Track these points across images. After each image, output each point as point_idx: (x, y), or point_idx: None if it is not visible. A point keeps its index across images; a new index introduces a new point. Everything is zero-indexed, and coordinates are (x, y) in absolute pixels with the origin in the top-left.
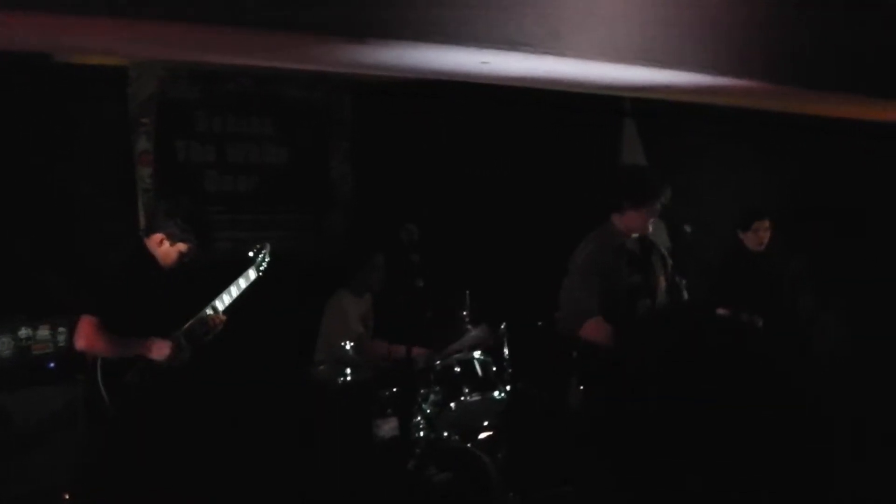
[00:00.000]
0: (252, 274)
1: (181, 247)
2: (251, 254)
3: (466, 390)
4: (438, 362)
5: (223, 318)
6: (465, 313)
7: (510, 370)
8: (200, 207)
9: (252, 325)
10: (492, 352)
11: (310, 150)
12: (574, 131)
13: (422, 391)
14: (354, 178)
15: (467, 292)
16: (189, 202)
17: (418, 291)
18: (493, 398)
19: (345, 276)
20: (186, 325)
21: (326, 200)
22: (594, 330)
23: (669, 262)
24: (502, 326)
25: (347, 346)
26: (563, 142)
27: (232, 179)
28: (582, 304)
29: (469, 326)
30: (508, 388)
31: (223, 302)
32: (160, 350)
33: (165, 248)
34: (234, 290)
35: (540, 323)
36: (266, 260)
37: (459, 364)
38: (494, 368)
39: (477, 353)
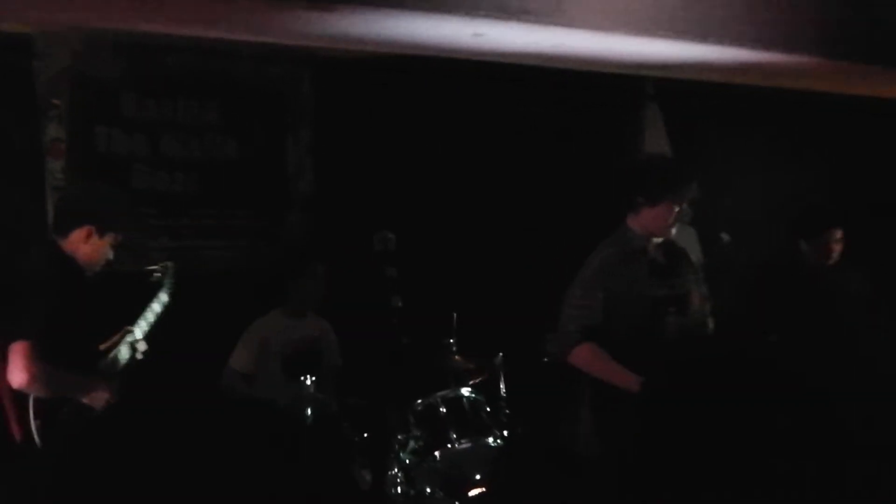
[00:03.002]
0: (165, 296)
1: (110, 240)
2: (157, 274)
3: (454, 436)
4: (419, 401)
5: (143, 344)
6: (451, 340)
7: (507, 411)
8: (128, 197)
9: (198, 352)
10: (485, 388)
11: (263, 140)
12: (585, 118)
13: (399, 437)
14: (318, 175)
15: (455, 314)
16: (115, 189)
17: (394, 312)
18: (487, 446)
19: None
20: (110, 356)
21: (284, 202)
22: (583, 358)
23: (701, 276)
24: (498, 357)
25: (308, 382)
26: (573, 130)
27: (167, 176)
28: (575, 323)
29: (457, 357)
30: (505, 433)
31: (142, 325)
32: (99, 398)
33: (91, 246)
34: (150, 314)
35: (546, 359)
36: (171, 283)
37: (445, 403)
38: (488, 409)
39: (466, 390)
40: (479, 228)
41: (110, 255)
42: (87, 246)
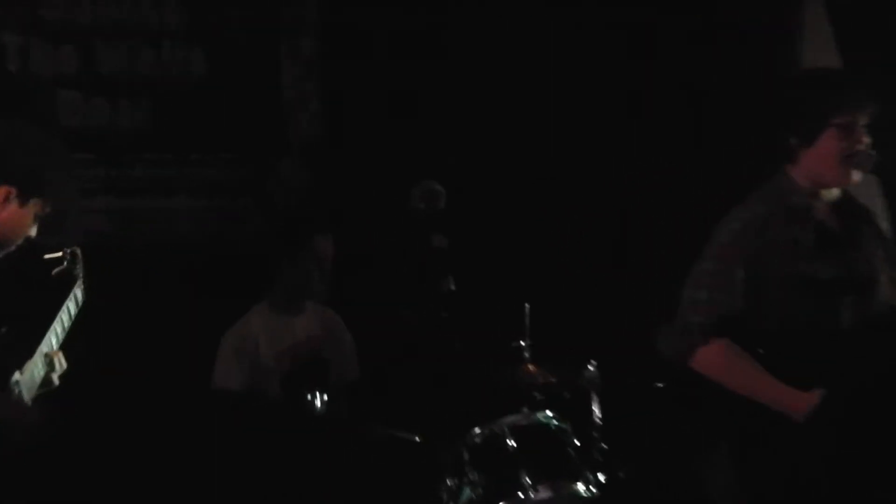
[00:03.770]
0: (80, 294)
1: (36, 209)
2: (65, 263)
3: (527, 481)
4: (478, 431)
5: (61, 356)
6: (523, 343)
7: (604, 445)
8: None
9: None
10: (571, 412)
11: (246, 52)
12: (717, 22)
13: (448, 482)
14: (324, 105)
15: (527, 306)
16: (39, 131)
17: (443, 302)
18: (576, 496)
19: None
20: (22, 373)
21: (274, 143)
22: (715, 362)
23: (893, 248)
24: (589, 367)
25: (317, 400)
26: (688, 41)
27: (105, 106)
28: (702, 312)
29: (531, 367)
30: (602, 477)
31: (56, 335)
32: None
33: (7, 215)
34: (64, 319)
35: (659, 378)
36: (83, 272)
37: (514, 433)
38: (577, 442)
39: (545, 415)
40: (556, 182)
41: (33, 230)
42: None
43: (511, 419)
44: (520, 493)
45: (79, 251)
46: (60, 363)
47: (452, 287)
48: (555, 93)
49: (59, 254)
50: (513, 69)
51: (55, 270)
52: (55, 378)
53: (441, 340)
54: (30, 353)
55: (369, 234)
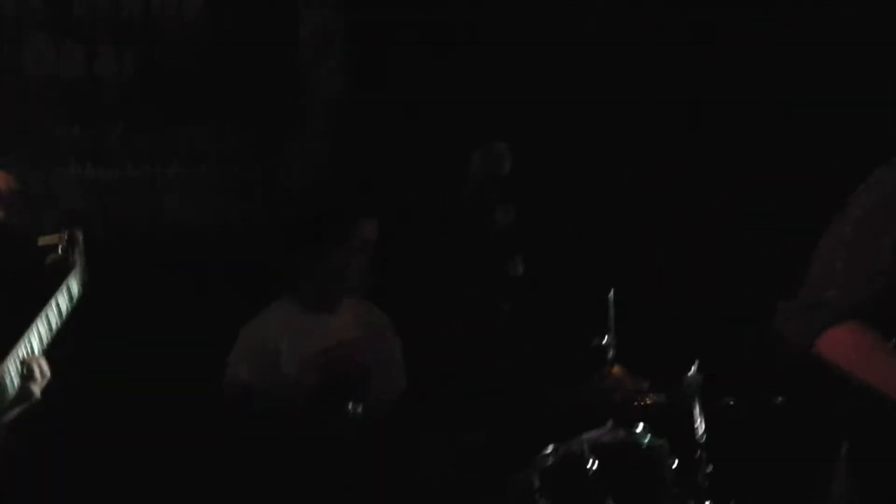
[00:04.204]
0: (75, 287)
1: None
2: (59, 249)
3: None
4: (551, 449)
5: (43, 362)
6: (606, 341)
7: (710, 467)
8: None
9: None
10: (668, 426)
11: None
12: None
13: None
14: (353, 60)
15: (612, 294)
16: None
17: (508, 290)
18: None
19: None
20: None
21: (291, 106)
22: (846, 346)
23: None
24: (691, 371)
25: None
26: None
27: (82, 52)
28: (836, 288)
29: (616, 370)
30: None
31: (40, 336)
32: None
33: None
34: (52, 317)
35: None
36: (83, 260)
37: (597, 452)
38: (675, 462)
39: (634, 430)
40: (648, 144)
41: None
42: None
43: (592, 435)
44: None
45: (79, 234)
46: (41, 371)
47: (520, 271)
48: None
49: (55, 238)
50: None
51: (49, 258)
52: (35, 389)
53: (505, 339)
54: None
55: (412, 209)
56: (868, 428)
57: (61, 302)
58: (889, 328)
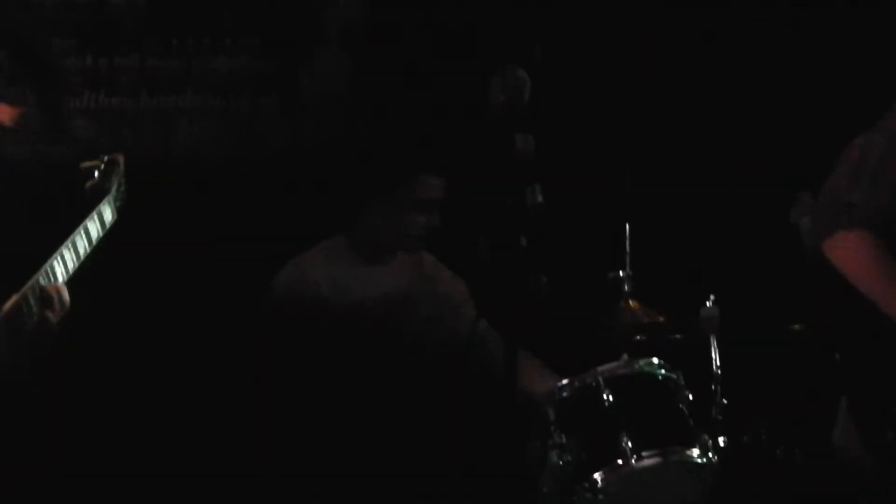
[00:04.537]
0: (108, 212)
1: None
2: (96, 173)
3: (629, 445)
4: (565, 383)
5: (64, 291)
6: (622, 273)
7: (725, 402)
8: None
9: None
10: (684, 360)
11: None
12: None
13: (531, 446)
14: None
15: (628, 226)
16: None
17: (528, 218)
18: (690, 463)
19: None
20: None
21: (309, 28)
22: (849, 250)
23: None
24: (708, 304)
25: None
26: None
27: None
28: (861, 197)
29: (632, 303)
30: (722, 441)
31: (65, 263)
32: None
33: None
34: (80, 243)
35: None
36: (121, 186)
37: (612, 386)
38: (690, 397)
39: (649, 363)
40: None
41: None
42: None
43: (608, 368)
44: (619, 461)
45: (120, 159)
46: (62, 301)
47: (539, 199)
48: None
49: (95, 163)
50: None
51: (87, 183)
52: (52, 318)
53: (521, 271)
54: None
55: (432, 138)
56: (866, 375)
57: (91, 228)
58: None
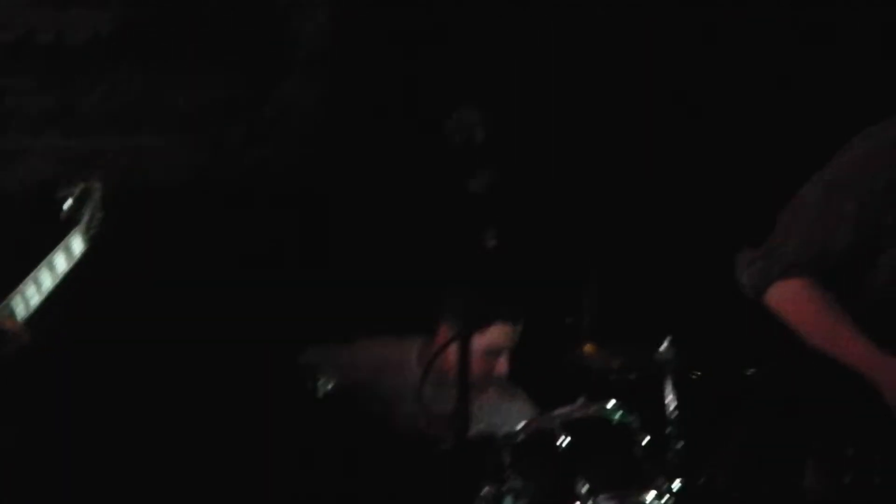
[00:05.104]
0: (77, 244)
1: None
2: (70, 201)
3: (585, 489)
4: (521, 426)
5: (19, 327)
6: (582, 318)
7: (681, 443)
8: None
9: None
10: (640, 402)
11: None
12: None
13: (486, 490)
14: (337, 9)
15: (592, 269)
16: None
17: (484, 259)
18: None
19: None
20: None
21: (275, 58)
22: (787, 298)
23: None
24: (664, 345)
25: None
26: None
27: (51, 10)
28: (792, 244)
29: (589, 347)
30: (677, 484)
31: (26, 298)
32: None
33: None
34: (44, 277)
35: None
36: (96, 215)
37: (568, 429)
38: (647, 439)
39: (606, 406)
40: (632, 107)
41: None
42: None
43: (564, 411)
44: None
45: (97, 186)
46: (15, 337)
47: (493, 243)
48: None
49: (73, 190)
50: None
51: (63, 212)
52: (3, 353)
53: (476, 314)
54: None
55: (390, 177)
56: (821, 418)
57: (58, 261)
58: (848, 297)
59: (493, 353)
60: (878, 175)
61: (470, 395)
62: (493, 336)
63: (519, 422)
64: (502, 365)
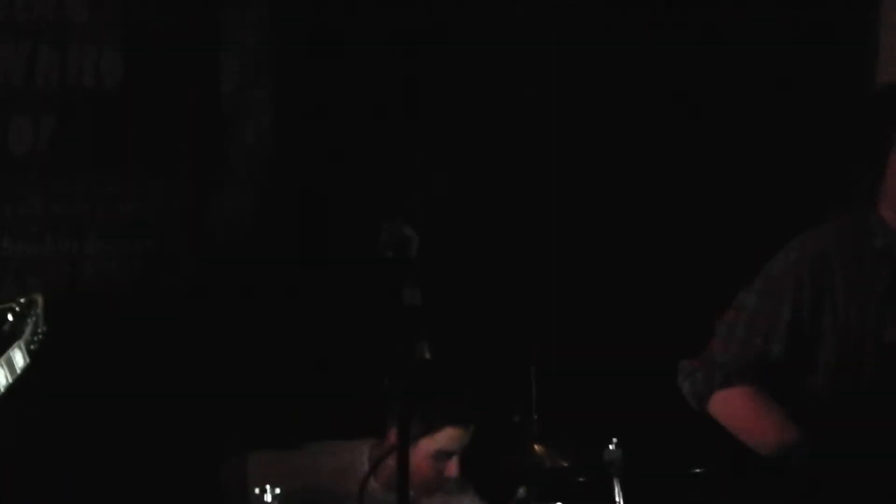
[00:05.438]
0: (19, 358)
1: None
2: (9, 317)
3: None
4: None
5: None
6: (527, 417)
7: None
8: None
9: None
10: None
11: (174, 59)
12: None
13: None
14: (277, 118)
15: (533, 368)
16: None
17: (419, 370)
18: None
19: None
20: None
21: (214, 167)
22: (729, 408)
23: None
24: (611, 446)
25: None
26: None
27: None
28: (732, 353)
29: (537, 448)
30: None
31: None
32: None
33: None
34: None
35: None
36: (38, 328)
37: None
38: None
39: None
40: (565, 213)
41: None
42: None
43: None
44: None
45: (38, 299)
46: None
47: (427, 356)
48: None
49: (9, 304)
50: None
51: (4, 326)
52: None
53: (416, 422)
54: None
55: (325, 289)
56: None
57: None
58: (789, 396)
59: (443, 455)
60: (810, 282)
61: (421, 498)
62: (444, 439)
63: None
64: (452, 467)
